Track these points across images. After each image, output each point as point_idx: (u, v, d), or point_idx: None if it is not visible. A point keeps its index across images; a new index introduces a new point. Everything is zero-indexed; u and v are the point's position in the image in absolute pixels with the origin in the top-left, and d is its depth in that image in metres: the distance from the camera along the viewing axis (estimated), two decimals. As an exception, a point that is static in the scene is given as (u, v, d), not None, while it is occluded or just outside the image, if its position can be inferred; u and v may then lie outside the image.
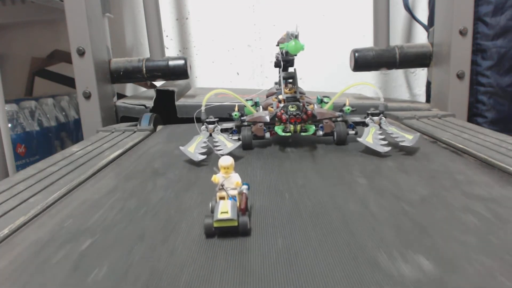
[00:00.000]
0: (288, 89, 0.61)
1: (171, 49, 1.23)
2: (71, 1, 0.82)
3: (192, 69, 1.23)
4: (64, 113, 1.11)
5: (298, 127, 0.57)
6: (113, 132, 0.76)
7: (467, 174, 0.45)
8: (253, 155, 0.57)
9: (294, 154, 0.56)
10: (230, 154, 0.49)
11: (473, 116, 0.91)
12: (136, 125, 0.81)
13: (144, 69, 0.91)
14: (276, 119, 0.58)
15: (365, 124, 0.62)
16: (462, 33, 0.82)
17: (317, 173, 0.47)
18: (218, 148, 0.54)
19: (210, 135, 0.60)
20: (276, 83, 0.70)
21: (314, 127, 0.58)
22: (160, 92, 0.91)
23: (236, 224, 0.31)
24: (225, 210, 0.31)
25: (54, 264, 0.28)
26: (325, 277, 0.25)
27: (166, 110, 0.89)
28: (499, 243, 0.29)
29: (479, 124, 0.89)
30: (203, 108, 0.60)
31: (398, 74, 1.24)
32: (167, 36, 1.21)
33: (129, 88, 1.30)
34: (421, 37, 1.18)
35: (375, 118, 0.61)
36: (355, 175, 0.46)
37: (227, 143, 0.56)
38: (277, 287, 0.25)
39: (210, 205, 0.34)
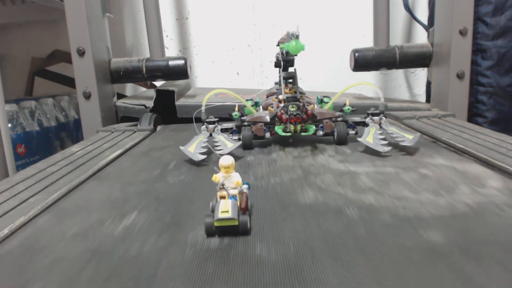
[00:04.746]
0: (288, 89, 0.61)
1: (171, 49, 1.23)
2: (71, 1, 0.82)
3: (192, 69, 1.23)
4: (64, 113, 1.11)
5: (298, 127, 0.57)
6: (113, 132, 0.76)
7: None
8: (253, 155, 0.57)
9: (294, 154, 0.56)
10: (230, 154, 0.49)
11: (473, 116, 0.91)
12: (136, 125, 0.81)
13: (144, 69, 0.91)
14: (276, 119, 0.58)
15: (365, 124, 0.62)
16: (462, 33, 0.82)
17: (317, 173, 0.47)
18: (218, 148, 0.54)
19: (210, 135, 0.60)
20: (276, 83, 0.70)
21: (314, 127, 0.58)
22: (160, 92, 0.91)
23: (236, 223, 0.31)
24: (225, 209, 0.31)
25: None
26: (326, 276, 0.25)
27: (166, 110, 0.89)
28: None
29: (479, 124, 0.89)
30: (203, 108, 0.60)
31: (398, 74, 1.24)
32: (167, 36, 1.21)
33: (129, 88, 1.30)
34: (421, 37, 1.18)
35: (375, 118, 0.61)
36: (355, 175, 0.46)
37: (227, 143, 0.56)
38: (277, 286, 0.25)
39: (211, 205, 0.34)
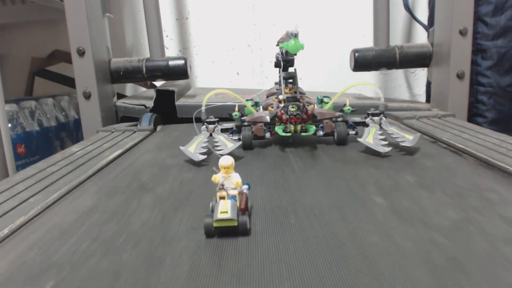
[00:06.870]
0: (288, 89, 0.61)
1: (171, 49, 1.23)
2: (71, 1, 0.82)
3: (192, 69, 1.23)
4: (64, 113, 1.11)
5: (299, 127, 0.57)
6: (113, 132, 0.76)
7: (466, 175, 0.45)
8: (253, 155, 0.57)
9: (294, 154, 0.56)
10: (230, 154, 0.49)
11: (473, 116, 0.91)
12: (136, 125, 0.81)
13: (144, 69, 0.91)
14: (277, 119, 0.58)
15: (365, 124, 0.62)
16: (462, 33, 0.82)
17: (317, 173, 0.47)
18: (218, 148, 0.54)
19: (210, 135, 0.60)
20: (276, 83, 0.70)
21: (314, 127, 0.58)
22: (160, 92, 0.91)
23: (235, 224, 0.31)
24: (225, 210, 0.31)
25: None
26: (323, 278, 0.25)
27: (166, 110, 0.89)
28: None
29: (479, 124, 0.89)
30: (203, 108, 0.60)
31: (398, 74, 1.24)
32: (167, 36, 1.21)
33: (129, 88, 1.30)
34: (421, 37, 1.18)
35: (376, 118, 0.61)
36: (354, 174, 0.46)
37: (227, 143, 0.55)
38: (275, 287, 0.25)
39: (210, 205, 0.34)
